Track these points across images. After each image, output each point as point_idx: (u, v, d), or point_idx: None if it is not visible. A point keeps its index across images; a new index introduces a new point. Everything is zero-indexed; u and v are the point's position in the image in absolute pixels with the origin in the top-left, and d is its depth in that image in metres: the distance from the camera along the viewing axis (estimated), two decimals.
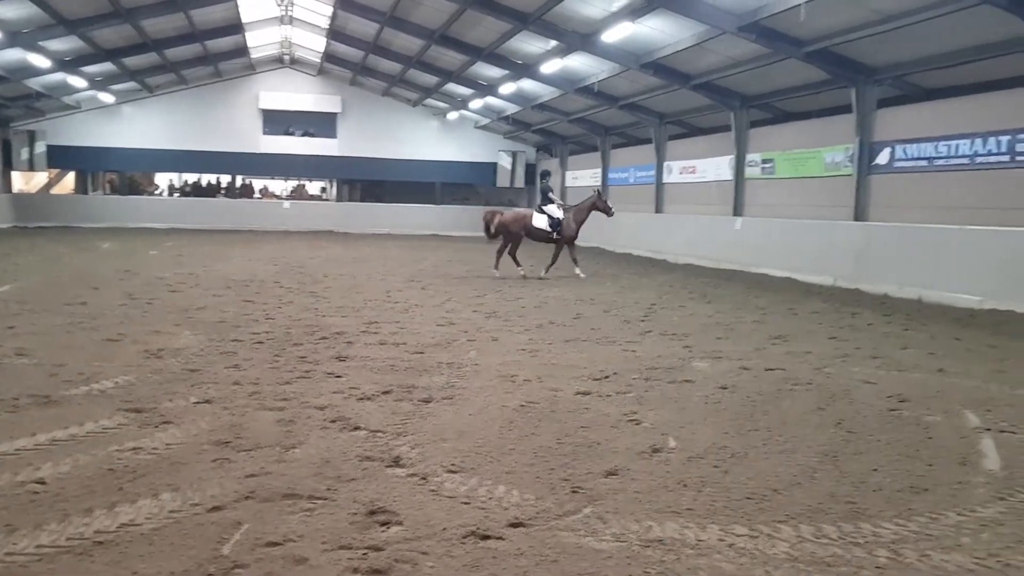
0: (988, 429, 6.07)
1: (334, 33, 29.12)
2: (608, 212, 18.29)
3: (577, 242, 18.57)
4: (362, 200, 40.73)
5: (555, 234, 17.78)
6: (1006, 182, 14.09)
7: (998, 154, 14.23)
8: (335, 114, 37.57)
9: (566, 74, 24.54)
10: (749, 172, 22.02)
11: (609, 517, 4.20)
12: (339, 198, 41.05)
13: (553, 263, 17.92)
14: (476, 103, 32.85)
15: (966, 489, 4.80)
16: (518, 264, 17.92)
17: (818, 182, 19.17)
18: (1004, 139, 14.10)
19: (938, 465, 5.21)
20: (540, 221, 17.72)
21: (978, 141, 14.64)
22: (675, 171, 26.27)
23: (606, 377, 7.57)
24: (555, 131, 34.64)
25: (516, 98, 29.88)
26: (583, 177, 33.86)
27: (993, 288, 12.94)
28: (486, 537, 3.91)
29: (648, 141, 27.51)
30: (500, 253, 18.03)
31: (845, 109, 17.82)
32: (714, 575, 3.60)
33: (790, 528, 4.13)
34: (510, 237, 17.85)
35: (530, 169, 39.03)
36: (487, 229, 18.11)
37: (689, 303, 13.66)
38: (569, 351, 8.93)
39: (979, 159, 14.64)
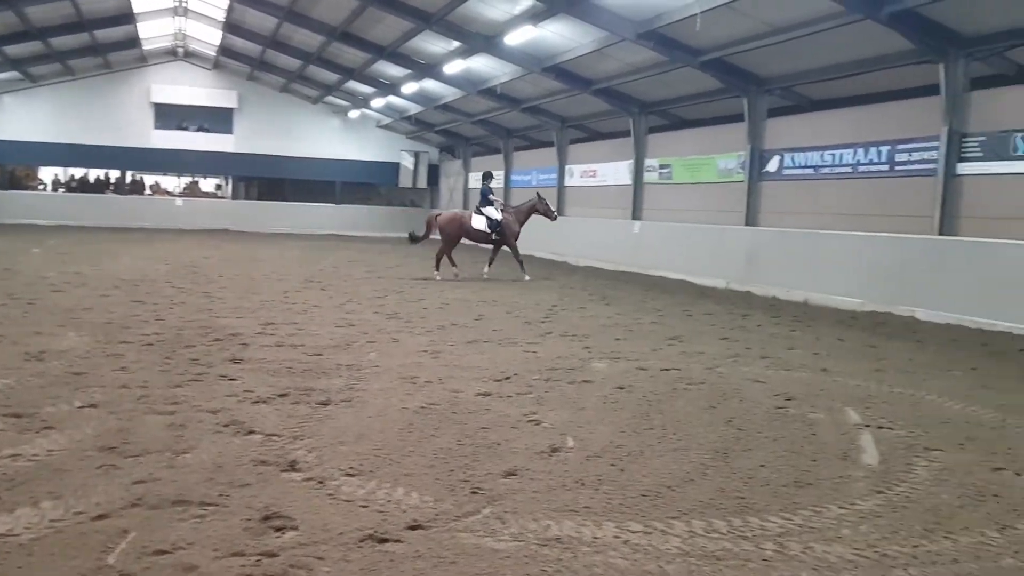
0: (867, 425, 6.37)
1: (230, 26, 28.37)
2: (550, 215, 18.10)
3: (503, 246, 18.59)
4: (259, 198, 39.80)
5: (494, 235, 17.82)
6: (886, 190, 14.86)
7: (879, 163, 15.00)
8: (231, 109, 36.61)
9: (469, 75, 24.58)
10: (647, 177, 22.54)
11: (508, 517, 4.23)
12: (235, 196, 40.02)
13: (490, 264, 18.13)
14: (378, 102, 32.55)
15: (847, 483, 5.02)
16: (453, 264, 17.91)
17: (712, 188, 19.78)
18: (884, 149, 14.88)
19: (821, 460, 5.45)
20: (479, 222, 17.73)
21: (860, 151, 15.40)
22: (576, 174, 26.66)
23: (507, 378, 7.61)
24: (458, 132, 34.65)
25: (419, 98, 29.76)
26: None
27: (873, 291, 13.63)
28: (384, 540, 3.88)
29: (550, 144, 27.83)
30: (440, 256, 17.97)
31: (738, 118, 18.45)
32: (609, 571, 3.67)
33: (683, 524, 4.25)
34: (446, 238, 17.79)
35: (433, 170, 38.92)
36: (427, 233, 18.25)
37: (589, 305, 13.87)
38: (470, 352, 8.94)
39: (861, 168, 15.40)
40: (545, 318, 11.97)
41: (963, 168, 13.33)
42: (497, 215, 17.80)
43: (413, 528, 4.04)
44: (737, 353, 9.48)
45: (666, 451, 5.52)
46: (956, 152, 13.35)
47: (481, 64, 23.17)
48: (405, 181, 38.72)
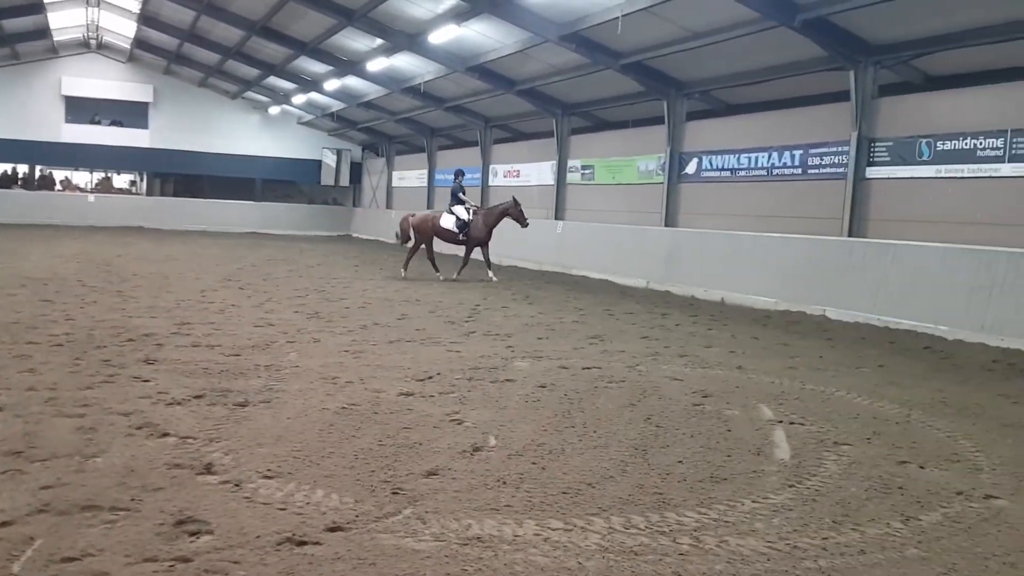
0: (780, 421, 6.56)
1: (146, 18, 27.52)
2: (522, 222, 17.32)
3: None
4: (176, 195, 38.69)
5: (461, 235, 17.56)
6: (799, 192, 15.34)
7: (792, 167, 15.47)
8: (146, 104, 35.52)
9: (392, 73, 24.41)
10: (570, 177, 22.75)
11: (429, 517, 4.22)
12: (150, 192, 38.84)
13: (464, 265, 17.85)
14: (299, 98, 32.03)
15: (760, 478, 5.17)
16: (436, 269, 17.72)
17: (633, 189, 20.08)
18: (798, 153, 15.36)
19: (736, 456, 5.59)
20: (447, 222, 17.57)
21: (775, 154, 15.85)
22: (500, 174, 26.72)
23: (429, 378, 7.58)
24: (382, 130, 34.36)
25: (341, 95, 29.40)
26: (410, 178, 33.78)
27: (787, 291, 14.05)
28: (302, 543, 3.82)
29: (474, 144, 27.84)
30: (410, 255, 18.01)
31: (658, 120, 18.79)
32: (529, 569, 3.70)
33: (602, 520, 4.30)
34: (420, 239, 17.72)
35: (356, 168, 38.48)
36: (404, 234, 18.09)
37: (512, 304, 13.93)
38: (393, 352, 8.88)
39: (776, 171, 15.85)
40: (468, 317, 11.97)
41: (872, 172, 13.86)
42: (464, 215, 17.53)
43: (333, 530, 4.00)
44: (657, 351, 9.65)
45: (587, 448, 5.59)
46: (865, 156, 13.87)
47: (405, 62, 23.03)
48: (327, 179, 38.20)
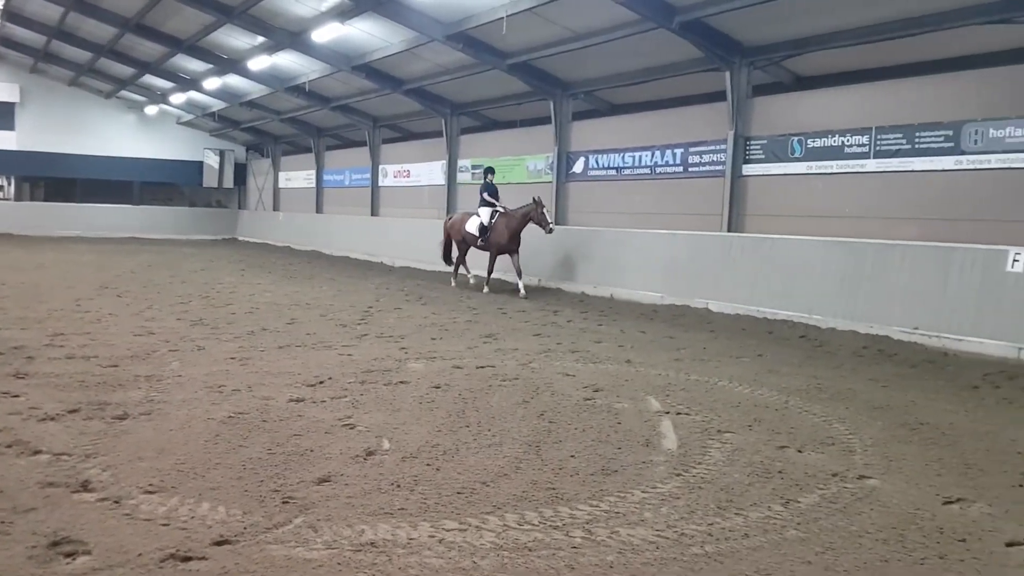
0: (667, 412, 6.76)
1: (10, 14, 25.90)
2: (544, 226, 15.29)
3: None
4: (47, 199, 36.67)
5: (480, 241, 16.25)
6: (681, 190, 15.80)
7: (674, 165, 15.93)
8: (12, 104, 33.45)
9: (276, 72, 23.83)
10: (460, 177, 22.76)
11: (321, 525, 4.15)
12: (19, 197, 36.65)
13: (488, 276, 16.49)
14: (178, 97, 30.82)
15: (649, 468, 5.31)
16: (466, 271, 17.10)
17: (523, 188, 20.15)
18: (679, 151, 15.82)
19: (626, 448, 5.72)
20: (472, 225, 16.42)
21: (658, 153, 16.29)
22: (390, 174, 26.49)
23: (321, 383, 7.45)
24: (266, 130, 33.50)
25: (222, 94, 28.49)
26: (297, 179, 33.08)
27: (671, 285, 14.47)
28: (187, 559, 3.70)
29: (363, 144, 27.49)
30: (457, 261, 17.20)
31: (545, 120, 19.01)
32: (424, 572, 3.69)
33: (496, 518, 4.33)
34: (453, 242, 17.09)
35: (240, 169, 37.39)
36: (446, 244, 17.40)
37: (405, 305, 13.84)
38: (282, 358, 8.68)
39: (659, 169, 16.29)
40: (361, 320, 11.83)
41: (748, 169, 14.42)
42: (486, 218, 16.19)
43: (219, 544, 3.88)
44: (549, 348, 9.78)
45: (481, 447, 5.61)
46: (742, 154, 14.42)
47: (288, 60, 22.52)
48: (210, 181, 36.94)
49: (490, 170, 16.87)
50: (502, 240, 15.79)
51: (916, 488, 5.08)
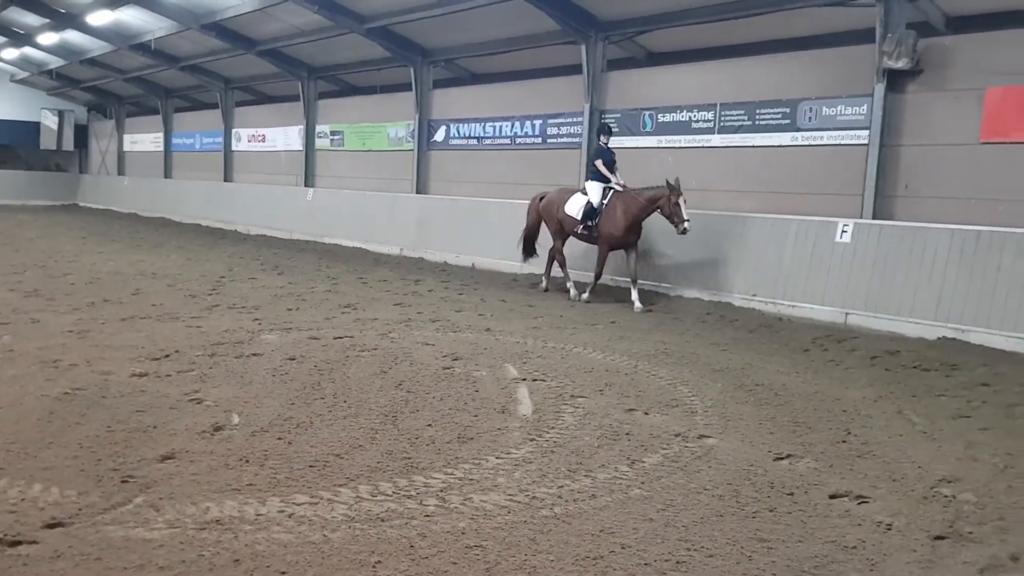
0: (524, 379, 6.90)
1: None
2: (678, 224, 10.92)
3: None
4: None
5: (582, 228, 11.91)
6: (540, 161, 16.00)
7: (533, 136, 16.10)
8: None
9: (119, 28, 22.42)
10: (319, 143, 22.20)
11: (163, 504, 4.01)
12: None
13: (597, 277, 11.97)
14: (10, 53, 28.48)
15: (504, 434, 5.41)
16: (558, 270, 12.76)
17: (384, 155, 19.98)
18: (538, 122, 16.00)
19: (482, 415, 5.81)
20: (572, 206, 12.11)
21: (517, 123, 16.41)
22: (244, 139, 25.50)
23: (166, 356, 7.16)
24: (110, 90, 31.46)
25: (60, 51, 26.52)
26: (143, 142, 31.33)
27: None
28: (16, 543, 3.51)
29: (215, 106, 26.30)
30: (552, 256, 12.88)
31: (406, 87, 18.76)
32: (272, 547, 3.63)
33: (349, 490, 4.32)
34: (549, 228, 12.71)
35: (81, 130, 35.02)
36: (530, 228, 13.19)
37: (260, 275, 13.44)
38: (125, 330, 8.27)
39: (519, 139, 16.43)
40: (212, 290, 11.41)
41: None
42: (597, 196, 11.79)
43: (52, 526, 3.70)
44: (409, 318, 9.75)
45: (336, 419, 5.56)
46: (597, 127, 14.71)
47: (133, 16, 21.18)
48: (48, 143, 34.38)
49: (605, 129, 12.37)
50: (616, 230, 11.50)
51: (750, 446, 5.41)
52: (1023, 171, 9.94)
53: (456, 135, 17.88)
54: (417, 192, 18.58)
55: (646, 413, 6.07)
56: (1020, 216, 9.71)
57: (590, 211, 11.77)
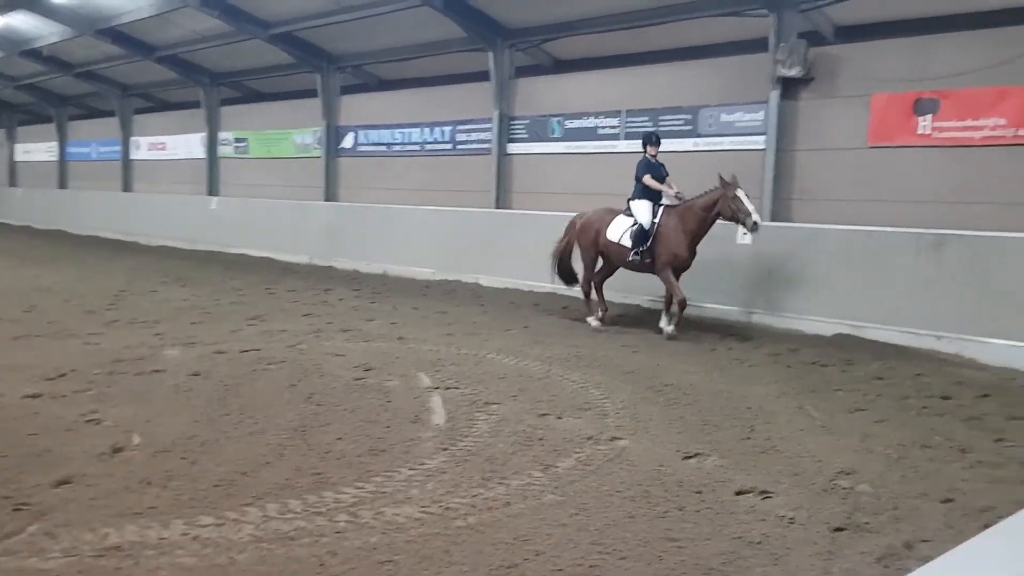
0: (437, 388, 6.87)
1: None
2: (741, 218, 9.31)
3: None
4: None
5: (633, 254, 10.00)
6: (450, 167, 16.00)
7: (443, 142, 16.10)
8: None
9: (8, 34, 21.48)
10: (223, 151, 21.67)
11: (59, 531, 3.84)
12: None
13: (680, 309, 9.83)
14: None
15: (417, 445, 5.37)
16: (589, 300, 10.81)
17: (291, 163, 19.65)
18: (447, 129, 16.00)
19: (394, 426, 5.76)
20: (617, 229, 10.26)
21: (427, 130, 16.39)
22: (144, 147, 24.70)
23: (62, 375, 6.86)
24: (0, 98, 30.02)
25: None
26: (37, 152, 29.98)
27: (443, 261, 14.66)
28: None
29: (112, 114, 25.38)
30: (591, 283, 10.84)
31: (313, 93, 18.50)
32: (176, 572, 3.52)
33: (256, 509, 4.21)
34: (581, 256, 10.86)
35: None
36: (562, 251, 11.10)
37: (162, 287, 13.01)
38: (17, 350, 7.89)
39: (428, 146, 16.40)
40: (111, 305, 10.99)
41: (512, 148, 14.87)
42: (646, 217, 10.00)
43: None
44: (319, 328, 9.60)
45: (243, 436, 5.43)
46: (506, 133, 14.83)
47: (22, 22, 20.29)
48: None
49: (651, 139, 10.30)
50: (680, 248, 9.77)
51: (660, 446, 5.52)
52: (908, 174, 10.45)
53: (365, 142, 17.72)
54: (326, 200, 18.34)
55: (559, 417, 6.12)
56: (906, 216, 10.20)
57: (640, 234, 9.95)
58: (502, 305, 11.99)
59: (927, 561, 1.05)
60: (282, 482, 4.60)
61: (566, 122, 13.96)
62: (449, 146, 15.99)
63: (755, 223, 9.19)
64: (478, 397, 6.61)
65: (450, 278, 14.29)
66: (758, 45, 11.52)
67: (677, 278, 9.86)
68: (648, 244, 9.91)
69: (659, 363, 8.19)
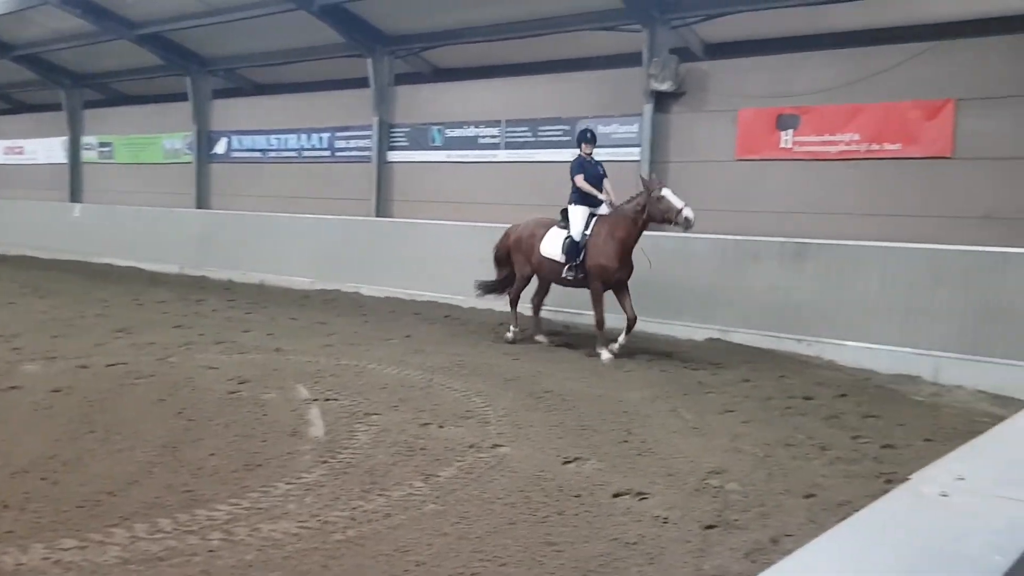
0: (316, 399, 6.74)
1: None
2: (672, 216, 8.68)
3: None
4: None
5: (568, 270, 9.27)
6: (329, 174, 15.77)
7: (321, 149, 15.86)
8: None
9: None
10: (86, 156, 20.66)
11: None
12: None
13: (599, 325, 9.26)
14: None
15: (294, 458, 5.26)
16: (514, 323, 10.11)
17: (160, 168, 18.92)
18: (326, 135, 15.78)
19: (271, 440, 5.62)
20: (550, 244, 9.49)
21: (304, 136, 16.10)
22: (0, 151, 23.28)
23: None
24: None
25: None
26: None
27: (322, 270, 14.42)
28: None
29: None
30: (513, 293, 10.18)
31: (183, 97, 17.88)
32: None
33: (123, 530, 4.04)
34: (517, 268, 10.07)
35: None
36: (500, 259, 10.39)
37: (20, 299, 12.28)
38: None
39: (306, 152, 16.11)
40: None
41: (393, 156, 14.80)
42: (578, 227, 9.26)
43: None
44: (191, 340, 9.26)
45: (109, 454, 5.19)
46: (386, 141, 14.74)
47: None
48: None
49: (585, 136, 9.62)
50: (608, 260, 9.02)
51: (541, 452, 5.60)
52: (772, 186, 11.00)
53: (239, 147, 17.25)
54: (198, 207, 17.74)
55: (441, 426, 6.12)
56: (771, 226, 10.73)
57: (572, 246, 9.20)
58: (383, 314, 11.89)
59: (790, 555, 1.12)
60: (151, 501, 4.42)
61: (447, 131, 14.00)
62: (328, 153, 15.76)
63: (687, 218, 8.50)
64: (358, 408, 6.53)
65: (330, 287, 14.06)
66: (633, 59, 11.89)
67: (622, 295, 9.13)
68: (581, 258, 9.11)
69: (540, 370, 8.31)
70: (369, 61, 14.46)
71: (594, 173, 9.43)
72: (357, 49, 14.46)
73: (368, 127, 14.91)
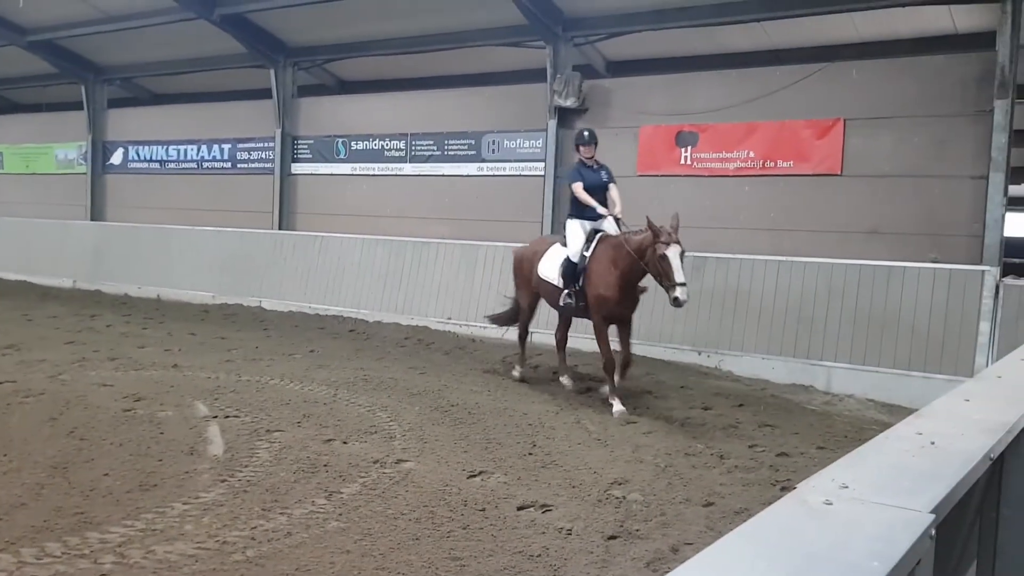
0: (215, 416, 6.59)
1: None
2: (664, 284, 7.14)
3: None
4: None
5: (566, 297, 7.94)
6: (230, 186, 15.42)
7: (222, 160, 15.50)
8: None
9: None
10: None
11: None
12: None
13: (608, 367, 7.68)
14: None
15: (192, 477, 5.14)
16: (523, 355, 9.03)
17: (52, 179, 18.15)
18: (227, 147, 15.43)
19: (168, 459, 5.47)
20: (548, 264, 8.24)
21: (204, 147, 15.71)
22: None
23: None
24: None
25: None
26: None
27: (223, 284, 14.11)
28: None
29: None
30: (523, 329, 9.12)
31: (77, 105, 17.22)
32: None
33: (9, 555, 3.89)
34: (520, 297, 9.01)
35: None
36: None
37: None
38: None
39: (206, 164, 15.72)
40: None
41: (296, 168, 14.58)
42: (576, 245, 7.94)
43: None
44: (84, 357, 8.93)
45: None
46: (290, 153, 14.52)
47: None
48: None
49: (582, 137, 8.32)
50: (608, 289, 7.65)
51: (446, 466, 5.62)
52: (672, 201, 11.28)
53: (136, 158, 16.70)
54: (92, 219, 17.08)
55: (345, 442, 6.06)
56: None
57: (570, 269, 7.90)
58: (286, 329, 11.70)
59: (672, 571, 1.19)
60: (40, 524, 4.26)
61: (352, 143, 13.90)
62: (229, 165, 15.42)
63: (676, 298, 6.95)
64: (260, 425, 6.41)
65: (231, 302, 13.75)
66: (538, 75, 12.07)
67: (623, 331, 7.85)
68: (580, 283, 7.81)
69: (446, 384, 8.31)
70: (272, 72, 14.24)
71: (595, 181, 8.07)
72: (259, 60, 14.23)
73: (271, 139, 14.67)
